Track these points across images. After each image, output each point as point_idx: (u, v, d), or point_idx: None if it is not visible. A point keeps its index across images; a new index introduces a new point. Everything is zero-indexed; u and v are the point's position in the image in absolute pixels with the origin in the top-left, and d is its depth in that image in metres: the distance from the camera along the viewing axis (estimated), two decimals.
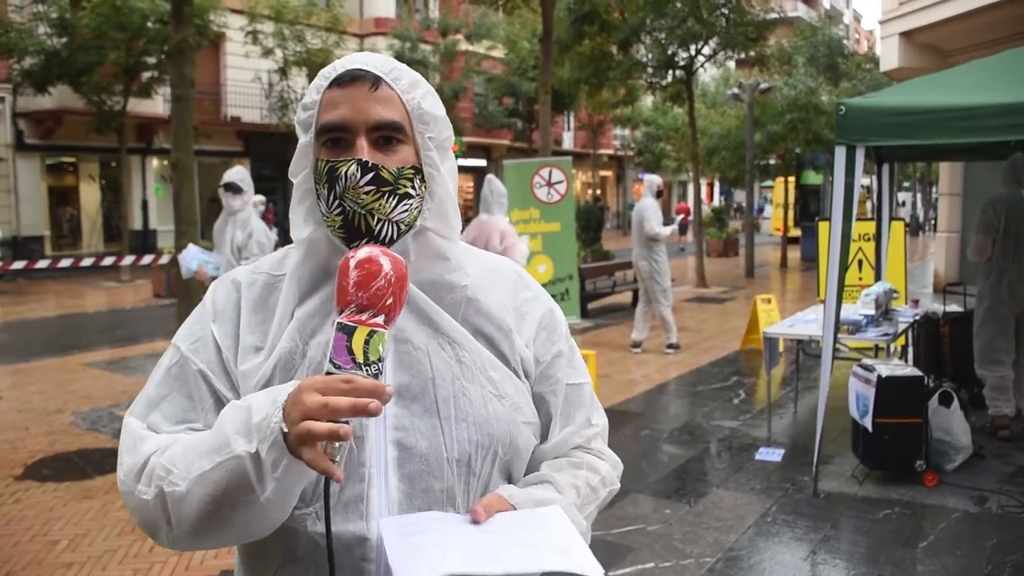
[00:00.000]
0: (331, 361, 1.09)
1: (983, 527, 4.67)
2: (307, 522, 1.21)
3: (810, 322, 6.67)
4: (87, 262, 14.05)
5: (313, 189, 1.29)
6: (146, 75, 19.05)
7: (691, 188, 20.06)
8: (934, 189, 34.45)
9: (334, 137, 1.25)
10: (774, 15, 18.06)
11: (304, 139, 1.29)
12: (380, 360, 1.10)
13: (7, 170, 21.17)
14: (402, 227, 1.27)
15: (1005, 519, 4.77)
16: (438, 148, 1.32)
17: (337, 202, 1.24)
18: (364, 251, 1.14)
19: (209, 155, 24.14)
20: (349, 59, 1.29)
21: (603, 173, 42.03)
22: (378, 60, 1.29)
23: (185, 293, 7.45)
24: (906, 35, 12.96)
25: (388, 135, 1.25)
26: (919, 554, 4.36)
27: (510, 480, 1.33)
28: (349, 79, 1.25)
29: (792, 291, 16.89)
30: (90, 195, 23.97)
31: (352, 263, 1.13)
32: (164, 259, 14.16)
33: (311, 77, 24.28)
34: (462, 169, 32.79)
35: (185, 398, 1.29)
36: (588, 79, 17.76)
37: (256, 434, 1.09)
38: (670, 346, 9.94)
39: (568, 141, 37.84)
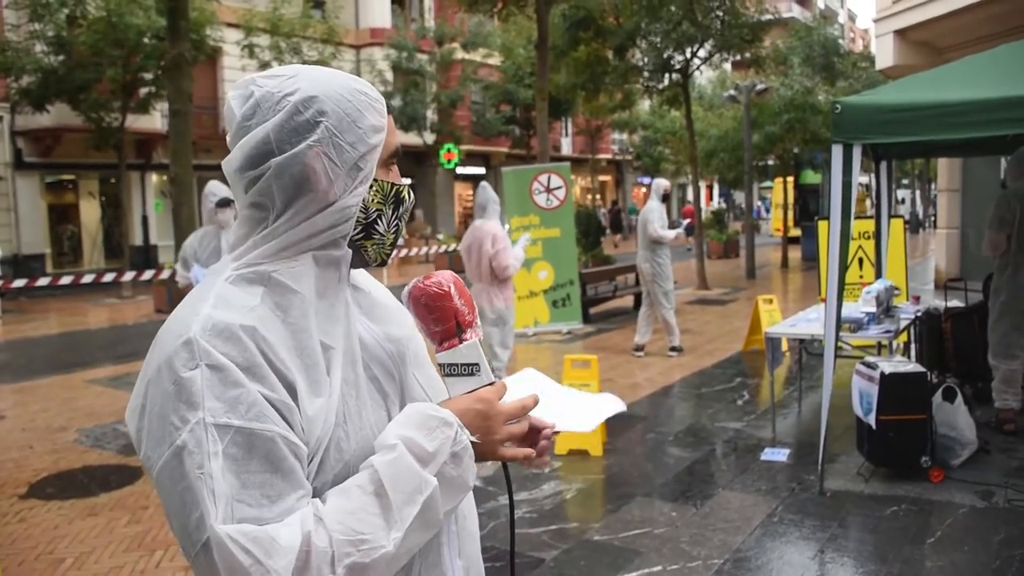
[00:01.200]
0: (492, 373, 1.29)
1: (990, 522, 4.66)
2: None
3: (812, 321, 6.67)
4: (88, 279, 14.07)
5: (355, 210, 1.26)
6: (144, 91, 19.09)
7: (690, 191, 20.02)
8: (933, 185, 34.43)
9: (395, 160, 1.36)
10: (769, 16, 18.07)
11: (371, 161, 1.27)
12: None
13: (7, 188, 21.21)
14: None
15: (1012, 513, 4.76)
16: None
17: (397, 222, 1.35)
18: (447, 274, 1.31)
19: (208, 169, 23.96)
20: (371, 87, 1.33)
21: (602, 178, 42.02)
22: None
23: None
24: (900, 33, 12.99)
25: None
26: (927, 550, 4.35)
27: None
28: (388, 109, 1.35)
29: (793, 291, 16.88)
30: (90, 212, 24.00)
31: (453, 289, 1.29)
32: (165, 274, 14.16)
33: None
34: (461, 177, 32.83)
35: (267, 473, 1.09)
36: (585, 84, 17.79)
37: (438, 457, 1.20)
38: (673, 349, 9.93)
39: (566, 146, 37.86)
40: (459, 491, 1.23)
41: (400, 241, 1.46)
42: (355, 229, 1.28)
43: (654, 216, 9.68)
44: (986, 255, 6.44)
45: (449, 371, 1.28)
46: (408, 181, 1.36)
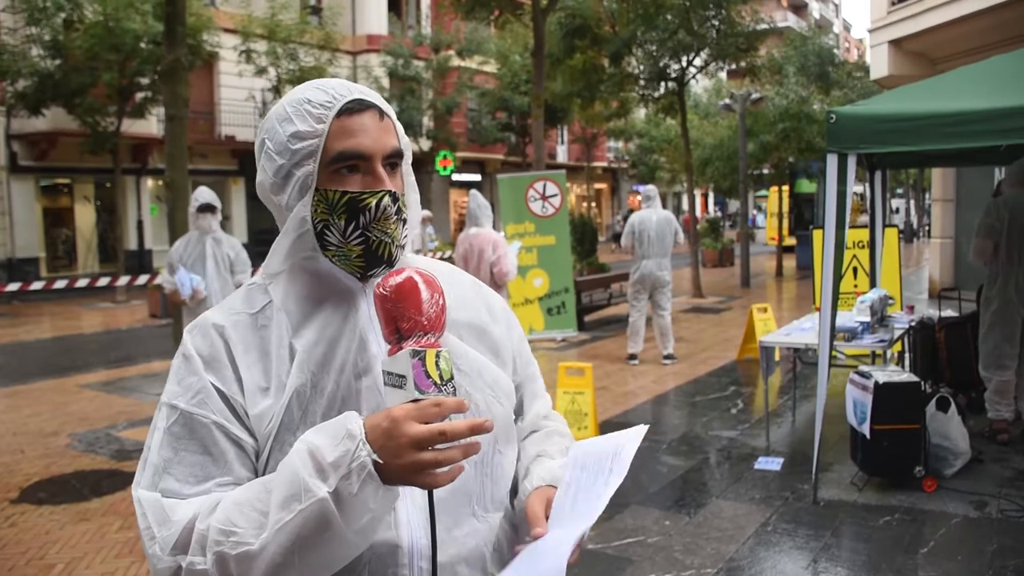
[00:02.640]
0: (416, 389, 1.12)
1: (983, 532, 4.66)
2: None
3: (806, 330, 6.68)
4: (82, 283, 14.02)
5: (309, 219, 1.28)
6: (140, 96, 19.07)
7: (685, 199, 20.07)
8: (927, 195, 34.53)
9: (351, 165, 1.26)
10: (764, 25, 18.09)
11: (303, 169, 1.27)
12: (452, 378, 1.15)
13: (1, 192, 21.16)
14: (402, 250, 1.34)
15: (1005, 523, 4.76)
16: (409, 174, 1.39)
17: (360, 232, 1.26)
18: (404, 276, 1.18)
19: (204, 174, 24.12)
20: (342, 87, 1.30)
21: (597, 186, 42.09)
22: (367, 91, 1.33)
23: (180, 314, 7.44)
24: (895, 43, 13.05)
25: (395, 163, 1.31)
26: (920, 560, 4.35)
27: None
28: (359, 108, 1.27)
29: (788, 300, 16.90)
30: (85, 216, 23.94)
31: (395, 293, 1.16)
32: (159, 279, 14.15)
33: None
34: (457, 183, 32.84)
35: (199, 455, 1.22)
36: (580, 92, 17.83)
37: (336, 471, 1.10)
38: (667, 357, 9.93)
39: (562, 154, 37.90)
40: (360, 512, 1.11)
41: (412, 247, 1.39)
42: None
43: (679, 225, 9.83)
44: (973, 262, 6.46)
45: (386, 380, 1.16)
46: (390, 188, 1.26)
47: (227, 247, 6.79)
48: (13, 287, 11.44)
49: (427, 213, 10.21)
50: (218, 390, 1.24)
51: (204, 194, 6.69)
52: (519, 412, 1.51)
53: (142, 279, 13.71)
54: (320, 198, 1.27)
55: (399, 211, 1.29)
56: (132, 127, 19.98)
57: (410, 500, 1.25)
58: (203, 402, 1.24)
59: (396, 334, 1.16)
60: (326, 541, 1.12)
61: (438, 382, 1.13)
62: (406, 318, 1.15)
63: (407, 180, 1.36)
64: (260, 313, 1.31)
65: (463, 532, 1.32)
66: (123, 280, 13.35)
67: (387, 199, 1.26)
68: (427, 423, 1.09)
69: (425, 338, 1.15)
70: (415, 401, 1.11)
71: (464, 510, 1.33)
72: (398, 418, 1.09)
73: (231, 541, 1.12)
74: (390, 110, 1.34)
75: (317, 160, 1.26)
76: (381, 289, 1.17)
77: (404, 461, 1.09)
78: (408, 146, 1.37)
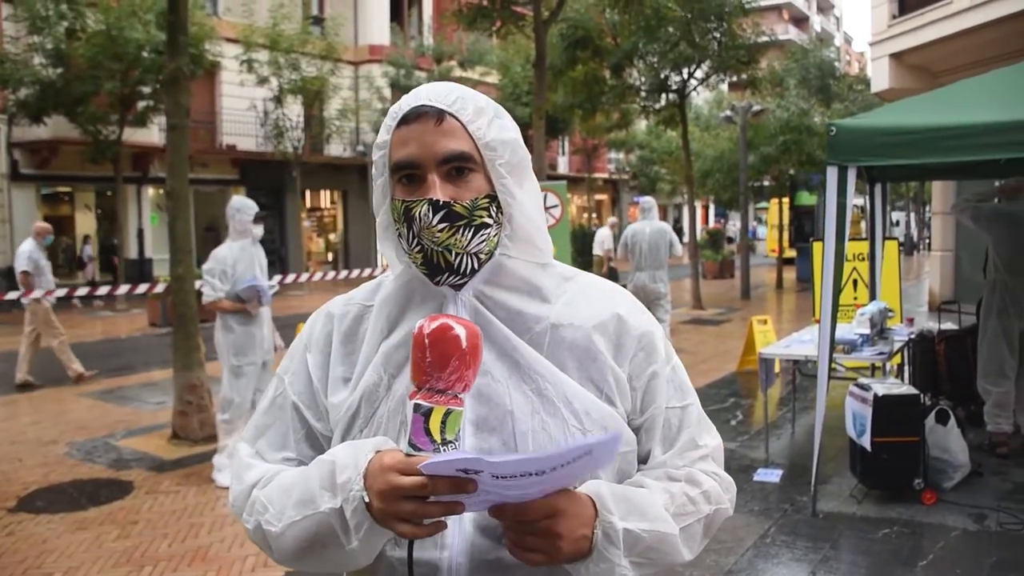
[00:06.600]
0: (410, 443, 1.11)
1: (983, 545, 4.65)
2: (386, 547, 1.24)
3: (806, 342, 6.67)
4: (82, 291, 14.02)
5: (394, 226, 1.31)
6: (142, 104, 19.09)
7: (686, 211, 20.10)
8: (927, 208, 34.56)
9: (408, 174, 1.26)
10: (765, 38, 18.16)
11: (381, 179, 1.31)
12: (457, 439, 1.12)
13: (2, 200, 21.15)
14: (482, 257, 1.28)
15: (1004, 536, 4.75)
16: (512, 172, 1.30)
17: (416, 240, 1.25)
18: (438, 323, 1.13)
19: (205, 183, 24.17)
20: (414, 95, 1.29)
21: (598, 197, 42.14)
22: (442, 92, 1.28)
23: (181, 323, 7.42)
24: (896, 56, 13.07)
25: (460, 166, 1.25)
26: (919, 573, 4.33)
27: None
28: (415, 116, 1.26)
29: (788, 312, 16.90)
30: (85, 225, 23.95)
31: (427, 340, 1.12)
32: (160, 288, 14.11)
33: (306, 105, 24.23)
34: None
35: (283, 427, 1.38)
36: (582, 104, 17.88)
37: (340, 493, 1.16)
38: None
39: (563, 165, 37.96)
40: (346, 539, 1.16)
41: (469, 262, 1.27)
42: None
43: (674, 236, 9.75)
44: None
45: (403, 420, 1.18)
46: (433, 195, 1.23)
47: (261, 254, 6.70)
48: (13, 295, 11.39)
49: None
50: (308, 374, 1.37)
51: (251, 203, 6.61)
52: (643, 457, 1.37)
53: (142, 288, 13.69)
54: (392, 207, 1.30)
55: (451, 217, 1.23)
56: (133, 136, 20.00)
57: (458, 524, 1.21)
58: (293, 382, 1.38)
59: (417, 383, 1.13)
60: (330, 546, 1.19)
61: (437, 440, 1.10)
62: (418, 368, 1.13)
63: (498, 183, 1.28)
64: (370, 307, 1.38)
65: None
66: (123, 289, 13.34)
67: (424, 207, 1.22)
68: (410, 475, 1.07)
69: (440, 395, 1.11)
70: (408, 455, 1.10)
71: None
72: (385, 465, 1.11)
73: (265, 517, 1.25)
74: (465, 108, 1.27)
75: (387, 169, 1.29)
76: (419, 327, 1.14)
77: (380, 506, 1.11)
78: (503, 143, 1.29)
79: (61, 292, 11.15)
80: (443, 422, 1.11)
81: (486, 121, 1.28)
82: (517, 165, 1.32)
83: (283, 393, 1.39)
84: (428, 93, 1.28)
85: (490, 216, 1.27)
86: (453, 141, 1.24)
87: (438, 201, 1.23)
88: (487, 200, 1.27)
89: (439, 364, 1.11)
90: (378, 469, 1.11)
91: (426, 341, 1.12)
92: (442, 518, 1.10)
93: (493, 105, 1.33)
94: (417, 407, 1.11)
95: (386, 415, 1.26)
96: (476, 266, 1.27)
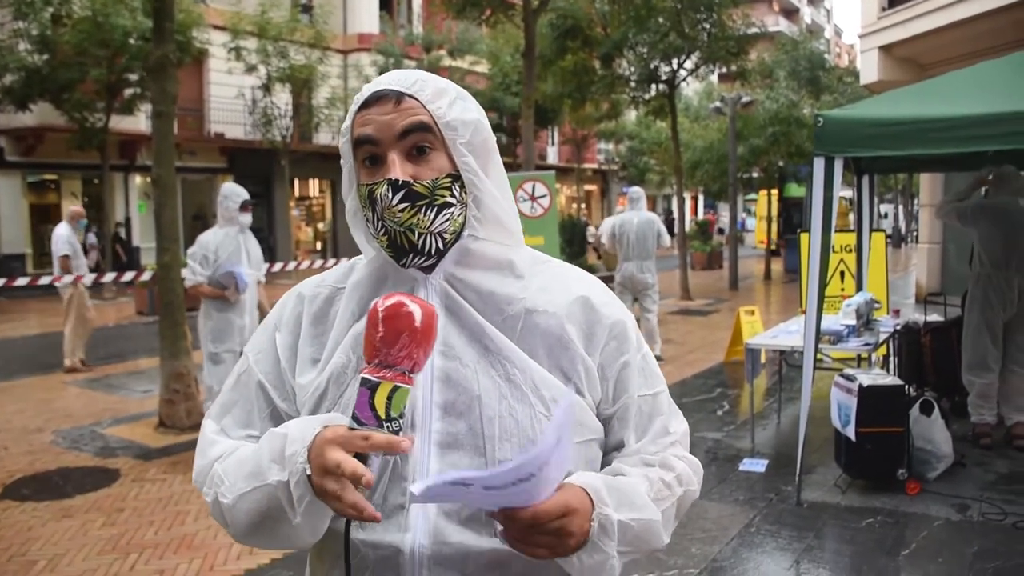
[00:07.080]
0: (353, 416, 1.10)
1: (965, 535, 4.69)
2: (351, 529, 1.23)
3: (792, 333, 6.69)
4: (68, 279, 13.93)
5: (361, 212, 1.31)
6: (128, 92, 18.97)
7: (675, 201, 20.13)
8: (916, 200, 34.73)
9: (370, 155, 1.25)
10: (755, 30, 18.19)
11: (347, 165, 1.31)
12: (402, 416, 1.11)
13: None
14: (447, 236, 1.27)
15: (986, 526, 4.79)
16: (475, 152, 1.29)
17: (380, 222, 1.25)
18: (393, 300, 1.12)
19: (193, 172, 24.07)
20: (375, 82, 1.30)
21: (587, 187, 42.12)
22: (402, 76, 1.29)
23: (168, 311, 7.38)
24: (885, 49, 13.11)
25: (419, 143, 1.24)
26: (902, 562, 4.37)
27: None
28: (375, 99, 1.26)
29: (776, 303, 16.96)
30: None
31: (380, 315, 1.11)
32: (147, 276, 14.04)
33: (295, 93, 24.10)
34: None
35: (248, 405, 1.38)
36: (571, 93, 17.85)
37: (287, 465, 1.15)
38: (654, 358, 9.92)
39: (552, 155, 37.91)
40: (291, 513, 1.16)
41: (433, 242, 1.26)
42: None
43: (662, 226, 9.72)
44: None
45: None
46: (391, 175, 1.22)
47: (253, 243, 6.74)
48: (45, 280, 11.34)
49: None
50: (276, 353, 1.37)
51: (239, 190, 6.61)
52: (615, 445, 1.37)
53: (129, 275, 13.63)
54: (358, 192, 1.30)
55: (411, 197, 1.22)
56: (120, 123, 19.88)
57: (423, 509, 1.21)
58: (259, 360, 1.39)
59: (368, 359, 1.13)
60: (280, 521, 1.18)
61: (381, 416, 1.09)
62: (369, 344, 1.12)
63: (460, 161, 1.27)
64: (341, 289, 1.37)
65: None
66: (110, 276, 13.28)
67: (384, 188, 1.22)
68: (351, 452, 1.08)
69: (390, 372, 1.10)
70: (351, 429, 1.10)
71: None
72: (326, 438, 1.11)
73: (220, 490, 1.26)
74: (424, 89, 1.27)
75: (351, 155, 1.29)
76: (374, 303, 1.14)
77: (316, 481, 1.11)
78: (464, 123, 1.28)
79: (47, 279, 11.04)
80: (389, 398, 1.10)
81: (447, 101, 1.28)
82: (480, 146, 1.30)
83: (248, 371, 1.39)
84: (389, 79, 1.29)
85: (453, 196, 1.26)
86: (407, 117, 1.24)
87: (397, 181, 1.22)
88: (449, 179, 1.26)
89: (390, 340, 1.11)
90: (321, 442, 1.11)
91: (380, 316, 1.11)
92: (353, 502, 1.08)
93: (455, 88, 1.32)
94: (364, 381, 1.10)
95: (354, 397, 1.24)
96: (441, 246, 1.26)
